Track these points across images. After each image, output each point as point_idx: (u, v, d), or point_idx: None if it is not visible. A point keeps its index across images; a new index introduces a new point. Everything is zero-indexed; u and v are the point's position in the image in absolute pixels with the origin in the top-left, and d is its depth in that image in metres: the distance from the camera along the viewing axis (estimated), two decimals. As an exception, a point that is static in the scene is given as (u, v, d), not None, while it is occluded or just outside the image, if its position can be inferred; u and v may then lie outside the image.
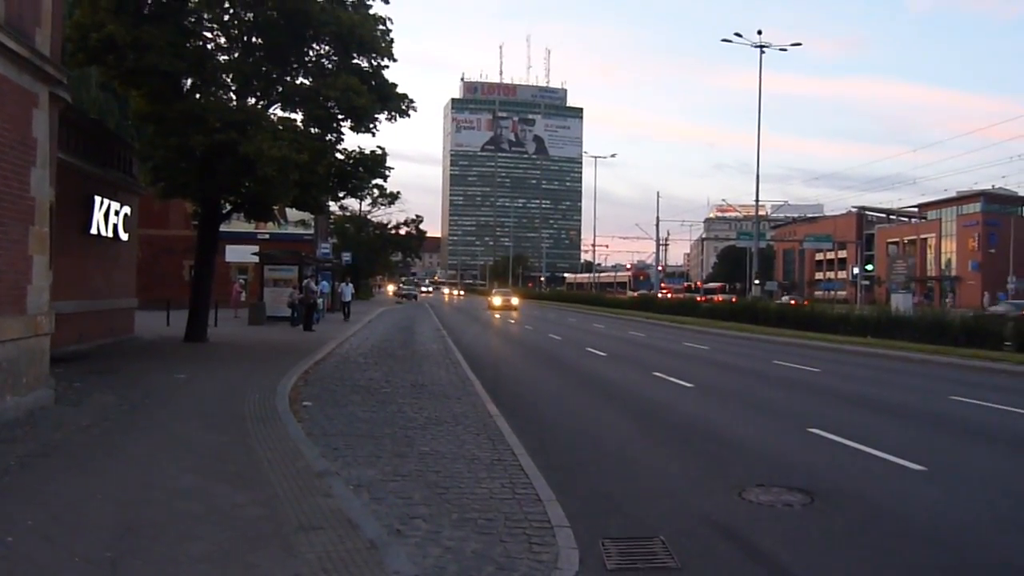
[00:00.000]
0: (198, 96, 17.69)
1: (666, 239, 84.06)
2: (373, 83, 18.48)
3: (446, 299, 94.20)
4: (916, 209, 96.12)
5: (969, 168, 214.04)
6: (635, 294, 78.62)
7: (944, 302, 68.83)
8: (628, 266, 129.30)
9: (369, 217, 73.79)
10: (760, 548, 5.60)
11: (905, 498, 6.98)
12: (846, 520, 6.28)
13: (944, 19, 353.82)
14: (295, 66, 18.65)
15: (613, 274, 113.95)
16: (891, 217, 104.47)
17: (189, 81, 17.67)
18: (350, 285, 37.49)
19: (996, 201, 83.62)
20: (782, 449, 9.07)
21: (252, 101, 18.29)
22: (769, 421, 11.06)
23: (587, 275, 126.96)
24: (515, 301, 60.71)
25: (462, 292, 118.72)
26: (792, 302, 44.57)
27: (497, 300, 59.46)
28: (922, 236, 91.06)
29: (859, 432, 9.75)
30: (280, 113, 18.65)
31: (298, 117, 18.52)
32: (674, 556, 5.35)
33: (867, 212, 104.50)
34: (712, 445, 9.22)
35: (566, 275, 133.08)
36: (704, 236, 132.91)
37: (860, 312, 33.30)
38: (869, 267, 72.01)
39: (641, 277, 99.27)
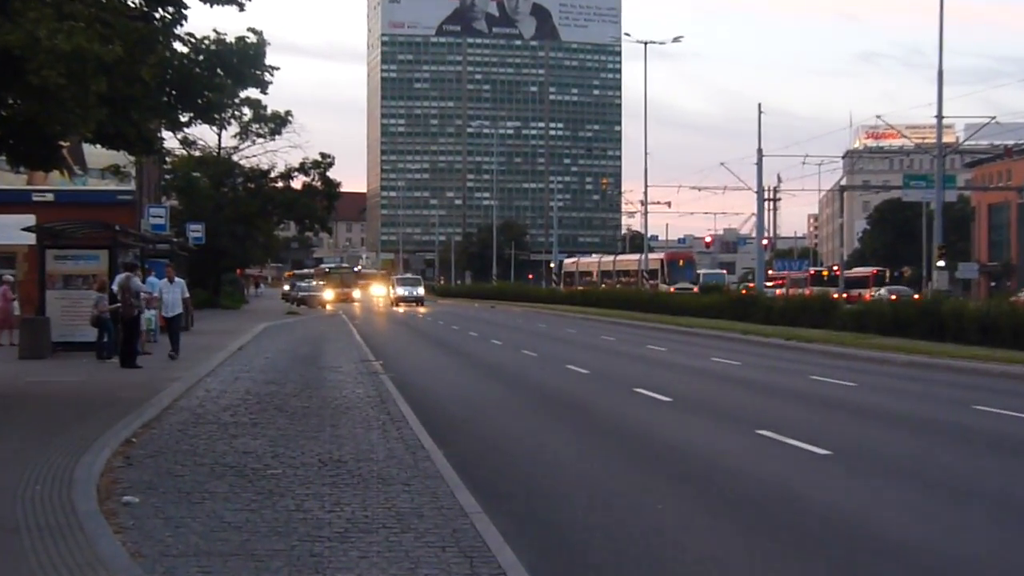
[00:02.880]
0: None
1: (775, 190, 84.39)
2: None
3: (378, 306, 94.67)
4: None
5: None
6: (671, 289, 78.96)
7: None
8: (707, 237, 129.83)
9: (237, 160, 73.73)
10: None
11: None
12: None
13: None
14: None
15: (636, 257, 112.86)
16: None
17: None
18: (178, 283, 30.73)
19: None
20: (1002, 568, 9.14)
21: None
22: (970, 515, 11.28)
23: (596, 258, 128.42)
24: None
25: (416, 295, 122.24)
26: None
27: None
28: None
29: None
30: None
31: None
32: None
33: None
34: (868, 559, 9.28)
35: (565, 260, 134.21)
36: (844, 184, 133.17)
37: None
38: None
39: (680, 262, 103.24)
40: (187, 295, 30.21)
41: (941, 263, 50.94)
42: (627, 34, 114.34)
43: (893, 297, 55.41)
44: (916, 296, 54.91)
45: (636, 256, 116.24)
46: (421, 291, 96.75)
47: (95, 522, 9.56)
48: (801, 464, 14.20)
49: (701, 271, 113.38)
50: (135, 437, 14.90)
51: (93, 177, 44.27)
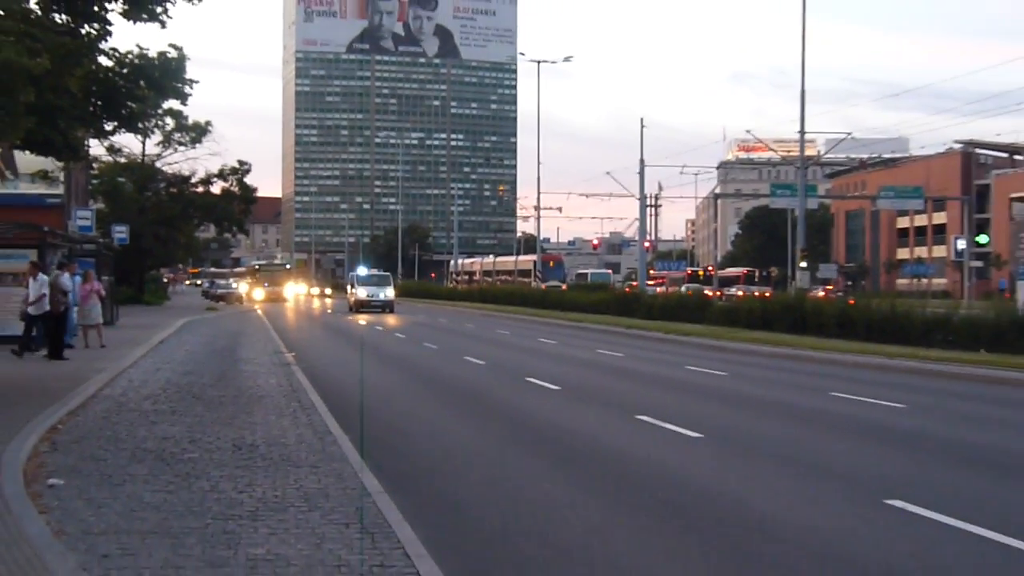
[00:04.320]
0: None
1: (656, 197, 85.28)
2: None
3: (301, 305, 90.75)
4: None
5: None
6: (543, 286, 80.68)
7: None
8: (594, 240, 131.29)
9: (159, 166, 72.86)
10: None
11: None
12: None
13: None
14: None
15: (512, 259, 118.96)
16: (1015, 157, 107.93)
17: None
18: (67, 275, 27.53)
19: None
20: (844, 534, 9.35)
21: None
22: (825, 490, 11.52)
23: (477, 260, 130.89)
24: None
25: (324, 292, 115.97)
26: (822, 293, 45.59)
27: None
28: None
29: (967, 504, 10.27)
30: (1, -11, 18.26)
31: (32, -4, 18.16)
32: None
33: (978, 151, 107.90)
34: (733, 531, 9.46)
35: (461, 260, 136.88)
36: (718, 191, 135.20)
37: (967, 312, 34.26)
38: (982, 238, 74.47)
39: (551, 263, 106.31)
40: (45, 292, 25.70)
41: (804, 264, 51.86)
42: (522, 53, 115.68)
43: (767, 293, 56.20)
44: (768, 293, 55.78)
45: (512, 258, 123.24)
46: (390, 293, 71.01)
47: (20, 503, 9.42)
48: (676, 446, 14.36)
49: (589, 271, 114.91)
50: (60, 424, 14.70)
51: (23, 181, 43.35)
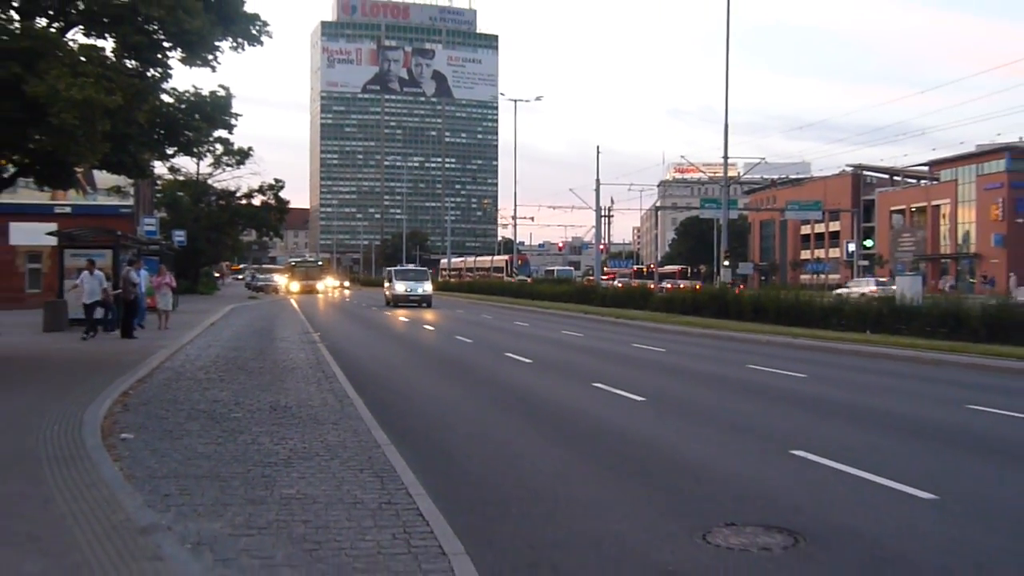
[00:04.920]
0: (-38, 14, 17.00)
1: (609, 209, 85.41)
2: (212, -1, 18.11)
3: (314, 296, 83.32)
4: (926, 168, 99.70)
5: (991, 115, 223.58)
6: (514, 280, 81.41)
7: (990, 287, 71.12)
8: (560, 243, 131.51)
9: (211, 183, 72.60)
10: (730, 605, 5.78)
11: (913, 535, 7.31)
12: (841, 566, 6.55)
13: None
14: (102, -26, 18.10)
15: (489, 258, 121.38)
16: (895, 178, 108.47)
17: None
18: (97, 275, 25.34)
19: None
20: (758, 477, 9.38)
21: (43, 23, 17.66)
22: (744, 443, 11.44)
23: (462, 259, 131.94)
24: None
25: (343, 285, 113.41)
26: (739, 288, 46.15)
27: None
28: (934, 202, 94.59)
29: (854, 453, 10.27)
30: (83, 40, 18.07)
31: (108, 45, 18.02)
32: (620, 620, 5.48)
33: (865, 172, 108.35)
34: (670, 474, 9.50)
35: (442, 260, 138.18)
36: (659, 204, 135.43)
37: (857, 301, 34.48)
38: (868, 242, 74.74)
39: (520, 262, 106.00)
40: (105, 285, 25.29)
41: (726, 263, 51.88)
42: (502, 94, 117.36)
43: (697, 286, 56.35)
44: (698, 286, 56.05)
45: (490, 257, 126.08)
46: (428, 288, 58.13)
47: (99, 453, 9.38)
48: (624, 407, 14.37)
49: (555, 268, 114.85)
50: (131, 390, 14.65)
51: (101, 194, 43.05)
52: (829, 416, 13.46)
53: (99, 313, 25.62)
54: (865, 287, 52.13)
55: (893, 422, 12.92)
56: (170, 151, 23.15)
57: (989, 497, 8.55)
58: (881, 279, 59.58)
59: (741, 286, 49.85)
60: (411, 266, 75.91)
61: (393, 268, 64.88)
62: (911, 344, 24.31)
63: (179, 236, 57.23)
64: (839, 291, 49.21)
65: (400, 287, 55.54)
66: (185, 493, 8.07)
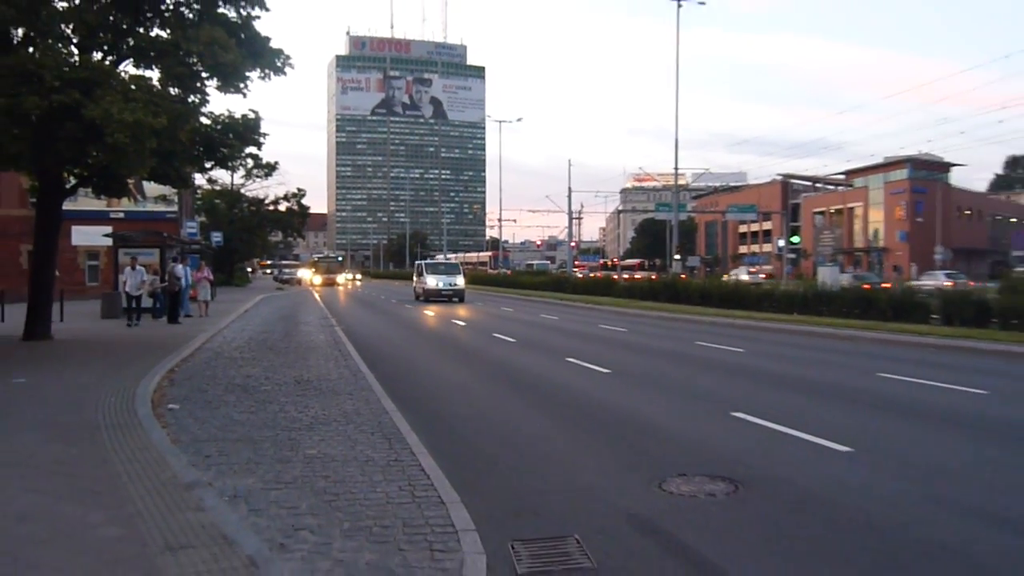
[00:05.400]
0: (32, 49, 16.77)
1: (579, 212, 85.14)
2: (243, 36, 17.93)
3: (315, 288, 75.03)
4: (843, 176, 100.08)
5: (896, 132, 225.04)
6: (495, 272, 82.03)
7: (898, 275, 71.43)
8: (538, 241, 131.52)
9: (243, 192, 72.20)
10: (681, 542, 5.78)
11: (831, 481, 7.33)
12: (772, 508, 6.57)
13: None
14: (149, 15, 17.90)
15: (476, 255, 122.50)
16: (817, 185, 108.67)
17: (20, 31, 16.74)
18: (139, 270, 24.37)
19: (923, 167, 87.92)
20: (705, 435, 9.39)
21: (99, 56, 17.48)
22: (691, 406, 11.46)
23: (455, 255, 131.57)
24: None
25: (356, 278, 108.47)
26: (682, 276, 46.19)
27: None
28: (849, 205, 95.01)
29: (784, 414, 10.30)
30: (132, 70, 17.90)
31: (154, 75, 17.83)
32: (589, 556, 5.47)
33: (792, 180, 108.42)
34: (631, 434, 9.49)
35: (437, 256, 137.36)
36: (620, 208, 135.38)
37: (786, 288, 34.61)
38: (795, 239, 74.80)
39: (500, 257, 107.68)
40: (145, 279, 24.59)
41: (677, 256, 52.02)
42: (489, 116, 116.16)
43: (653, 276, 56.46)
44: (654, 276, 56.10)
45: (476, 253, 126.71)
46: (461, 282, 46.70)
47: (149, 421, 9.33)
48: (593, 378, 14.36)
49: (535, 262, 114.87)
50: (176, 367, 14.57)
51: (149, 202, 42.78)
52: (764, 383, 13.50)
53: (147, 302, 25.49)
54: (939, 280, 47.42)
55: (816, 388, 12.99)
56: (208, 165, 22.95)
57: (895, 449, 8.59)
58: (950, 272, 54.38)
59: (683, 276, 49.44)
60: (441, 258, 63.40)
61: (423, 261, 53.35)
62: (830, 323, 24.44)
63: (216, 237, 57.11)
64: (917, 283, 43.27)
65: (432, 281, 45.06)
66: (223, 454, 8.03)
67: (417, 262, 53.98)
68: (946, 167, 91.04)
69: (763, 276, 46.75)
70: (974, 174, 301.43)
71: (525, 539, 5.80)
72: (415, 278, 49.09)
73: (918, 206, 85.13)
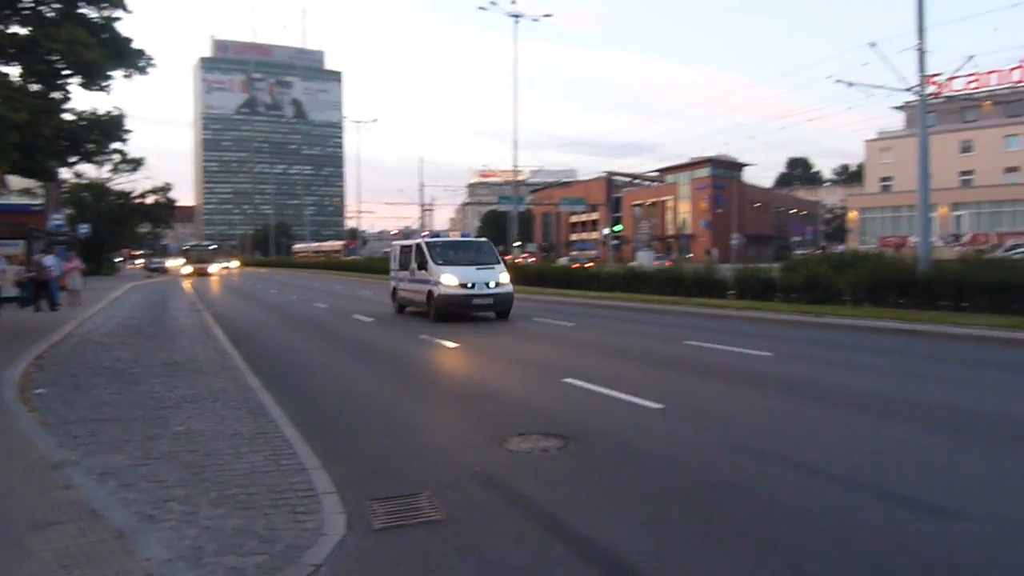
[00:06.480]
0: None
1: (431, 204, 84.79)
2: (105, 36, 16.75)
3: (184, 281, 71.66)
4: (657, 173, 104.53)
5: (699, 136, 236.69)
6: (350, 259, 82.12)
7: (710, 258, 74.69)
8: (394, 231, 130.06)
9: (110, 185, 67.58)
10: (519, 492, 5.92)
11: (646, 434, 7.67)
12: (596, 458, 6.82)
13: (684, 2, 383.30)
14: (7, 12, 16.41)
15: (331, 244, 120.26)
16: (635, 181, 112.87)
17: None
18: (50, 256, 23.85)
19: (722, 166, 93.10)
20: (540, 399, 9.60)
21: (-45, 52, 15.90)
22: (529, 375, 11.62)
23: (305, 245, 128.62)
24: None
25: (229, 267, 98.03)
26: (516, 261, 46.76)
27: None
28: (662, 198, 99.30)
29: (607, 378, 10.60)
30: (-8, 67, 16.40)
31: (14, 72, 16.41)
32: (439, 509, 5.52)
33: (615, 176, 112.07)
34: (476, 400, 9.58)
35: (295, 246, 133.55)
36: (467, 201, 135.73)
37: (609, 270, 35.74)
38: (617, 227, 77.59)
39: (349, 245, 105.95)
40: (5, 268, 23.04)
41: (517, 244, 52.83)
42: (346, 116, 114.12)
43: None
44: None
45: (330, 243, 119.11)
46: (505, 278, 20.30)
47: (16, 405, 8.66)
48: (441, 352, 14.28)
49: (385, 250, 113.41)
50: (45, 353, 13.55)
51: (14, 195, 39.32)
52: (588, 352, 13.88)
53: (11, 292, 23.60)
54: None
55: (632, 354, 13.49)
56: (73, 160, 21.38)
57: (700, 406, 9.08)
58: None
59: (518, 260, 48.57)
60: (456, 236, 30.79)
61: (423, 240, 22.19)
62: (645, 299, 25.44)
63: (84, 229, 53.49)
64: (1010, 252, 37.77)
65: (451, 278, 19.85)
66: (92, 434, 7.55)
67: (396, 242, 25.66)
68: (740, 166, 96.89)
69: (589, 264, 47.35)
70: (762, 172, 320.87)
71: (381, 497, 5.78)
72: (395, 271, 24.02)
73: (718, 199, 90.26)
